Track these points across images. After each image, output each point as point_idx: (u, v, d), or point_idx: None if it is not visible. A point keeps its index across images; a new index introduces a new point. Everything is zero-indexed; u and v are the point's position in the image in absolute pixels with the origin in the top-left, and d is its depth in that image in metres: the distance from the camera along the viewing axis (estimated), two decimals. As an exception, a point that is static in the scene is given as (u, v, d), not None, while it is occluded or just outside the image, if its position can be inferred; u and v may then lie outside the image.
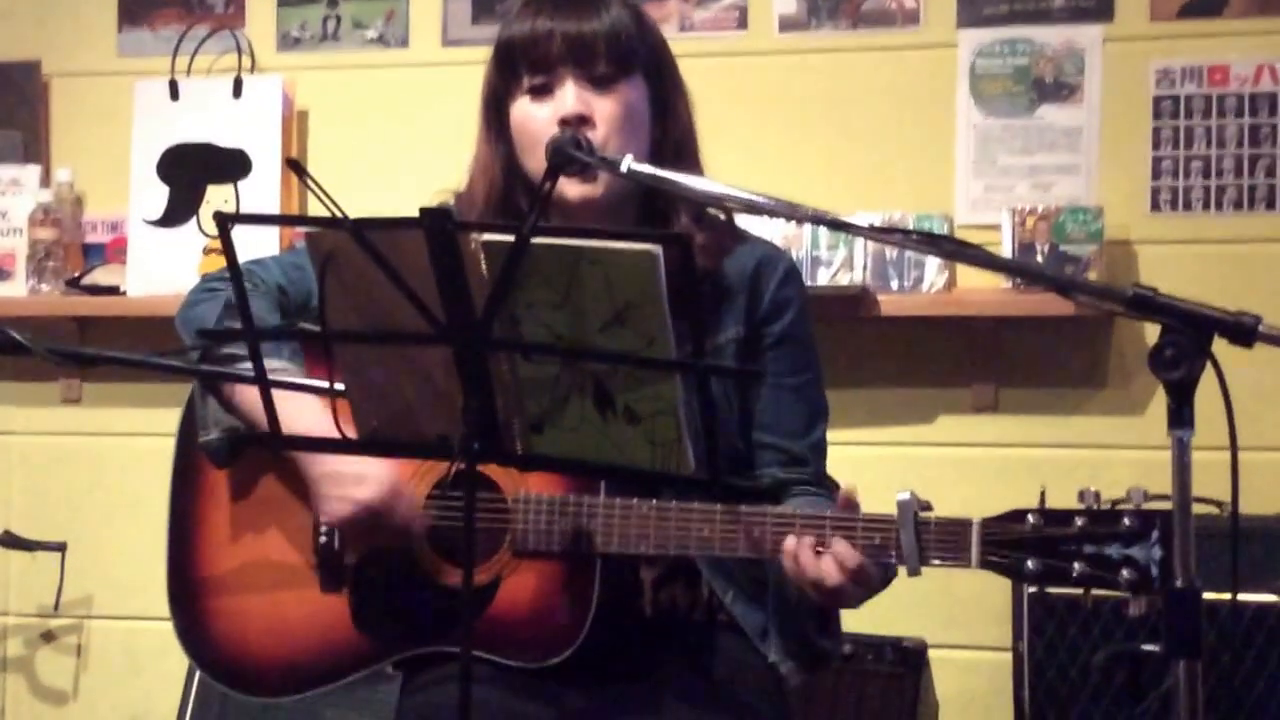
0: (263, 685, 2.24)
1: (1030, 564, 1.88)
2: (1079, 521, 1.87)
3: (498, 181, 2.22)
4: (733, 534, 2.01)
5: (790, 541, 1.97)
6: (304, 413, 2.04)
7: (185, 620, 2.25)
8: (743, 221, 2.33)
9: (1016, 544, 1.89)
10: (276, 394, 1.89)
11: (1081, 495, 1.90)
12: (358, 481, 2.08)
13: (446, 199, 2.29)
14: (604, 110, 2.13)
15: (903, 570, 1.95)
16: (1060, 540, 1.87)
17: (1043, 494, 1.92)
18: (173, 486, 2.27)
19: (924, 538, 1.93)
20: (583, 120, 2.12)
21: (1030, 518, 1.89)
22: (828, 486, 2.27)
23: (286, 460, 2.16)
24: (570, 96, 2.13)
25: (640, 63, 2.18)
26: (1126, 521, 1.84)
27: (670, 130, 2.22)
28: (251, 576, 2.22)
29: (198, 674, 3.39)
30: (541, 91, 2.16)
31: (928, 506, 1.94)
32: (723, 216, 2.27)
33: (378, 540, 2.13)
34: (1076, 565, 1.86)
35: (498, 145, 2.23)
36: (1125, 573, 1.83)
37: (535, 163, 2.16)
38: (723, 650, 2.20)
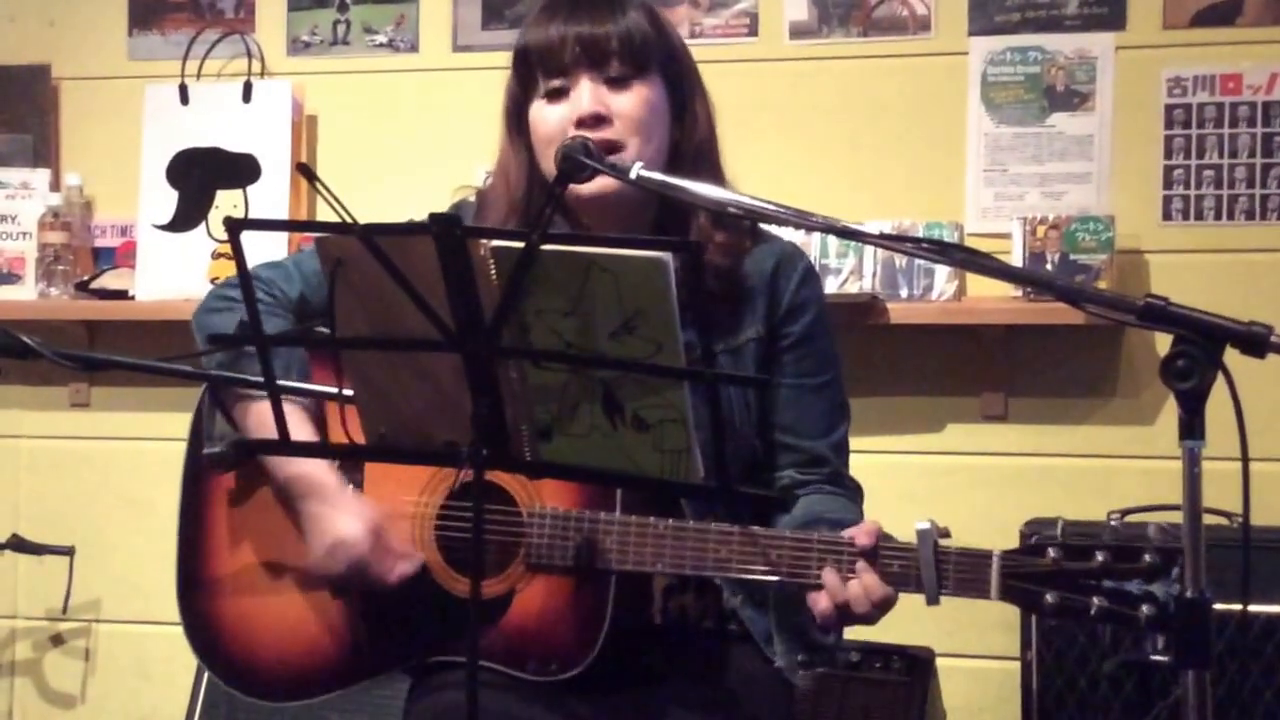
0: (272, 689, 2.24)
1: (1049, 598, 1.87)
2: (1100, 556, 1.85)
3: (519, 184, 2.23)
4: (750, 556, 2.01)
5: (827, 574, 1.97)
6: (301, 432, 2.05)
7: (195, 623, 2.25)
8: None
9: (1036, 577, 1.88)
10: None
11: (1109, 517, 1.89)
12: (339, 535, 2.09)
13: (468, 194, 2.31)
14: (621, 108, 2.14)
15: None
16: (1080, 575, 1.86)
17: (1062, 527, 1.91)
18: (183, 489, 2.27)
19: (943, 568, 1.92)
20: (599, 119, 2.12)
21: (1051, 551, 1.88)
22: (847, 486, 2.27)
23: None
24: (586, 96, 2.14)
25: (656, 64, 2.19)
26: (1147, 557, 1.83)
27: (690, 134, 2.23)
28: (262, 580, 2.22)
29: (205, 678, 3.39)
30: (558, 94, 2.17)
31: (946, 534, 1.94)
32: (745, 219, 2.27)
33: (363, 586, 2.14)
34: (1096, 600, 1.85)
35: (519, 150, 2.24)
36: (1145, 609, 1.83)
37: (551, 165, 2.16)
38: (732, 659, 2.20)
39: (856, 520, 2.08)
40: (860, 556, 1.96)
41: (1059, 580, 1.87)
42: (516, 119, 2.24)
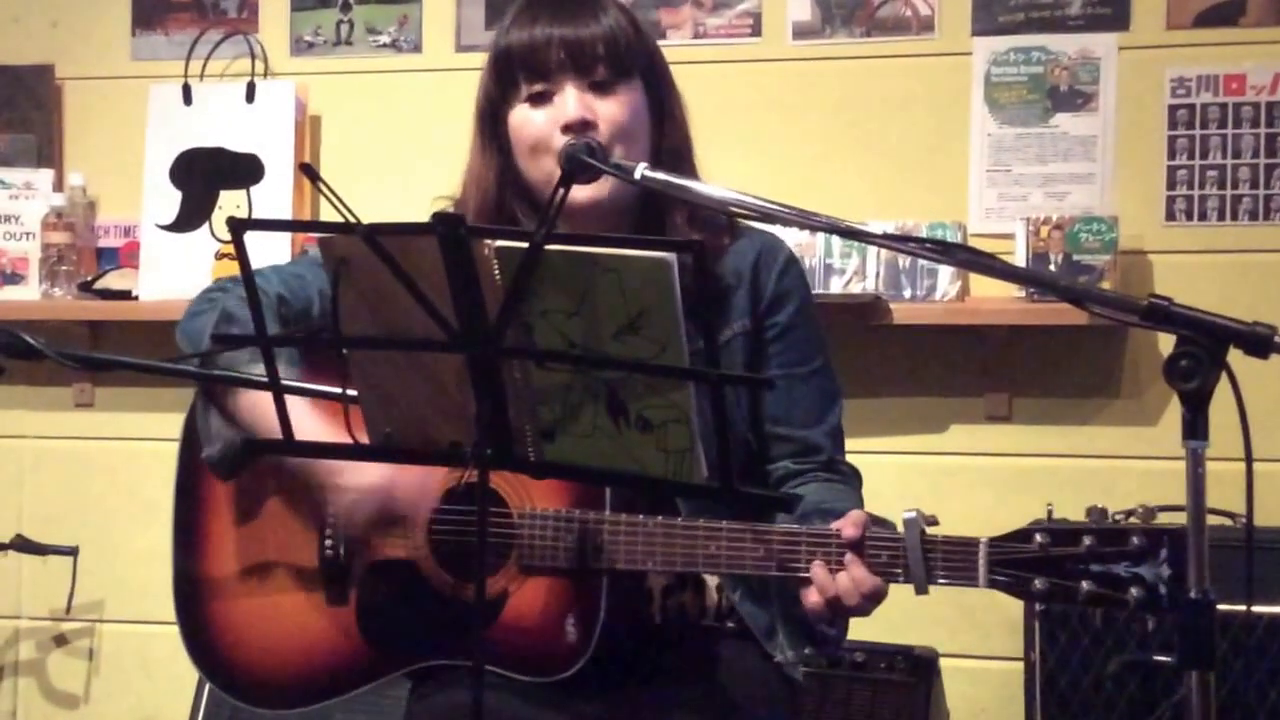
0: (271, 697, 2.24)
1: (1038, 583, 1.88)
2: (1087, 540, 1.86)
3: (492, 190, 2.22)
4: (739, 551, 2.01)
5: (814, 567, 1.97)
6: (303, 422, 2.04)
7: (193, 633, 2.25)
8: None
9: (1024, 563, 1.88)
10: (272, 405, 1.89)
11: (1089, 512, 1.89)
12: (360, 482, 2.08)
13: (445, 205, 2.28)
14: (606, 113, 2.14)
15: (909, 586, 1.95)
16: (1068, 559, 1.87)
17: (1050, 510, 1.92)
18: (176, 498, 2.27)
19: (931, 557, 1.92)
20: (586, 125, 2.12)
21: (1038, 536, 1.89)
22: (842, 472, 2.26)
23: (290, 472, 2.16)
24: (572, 102, 2.13)
25: (638, 67, 2.19)
26: (1135, 540, 1.84)
27: (668, 136, 2.23)
28: (257, 588, 2.21)
29: (208, 678, 3.40)
30: (541, 99, 2.16)
31: (934, 521, 1.94)
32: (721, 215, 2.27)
33: (388, 521, 2.13)
34: (1084, 584, 1.86)
35: (493, 154, 2.23)
36: (1134, 591, 1.83)
37: (537, 170, 2.16)
38: (732, 657, 2.20)
39: (855, 507, 2.08)
40: (847, 548, 1.95)
41: (1047, 566, 1.88)
42: (491, 122, 2.23)
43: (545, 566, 2.07)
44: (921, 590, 1.94)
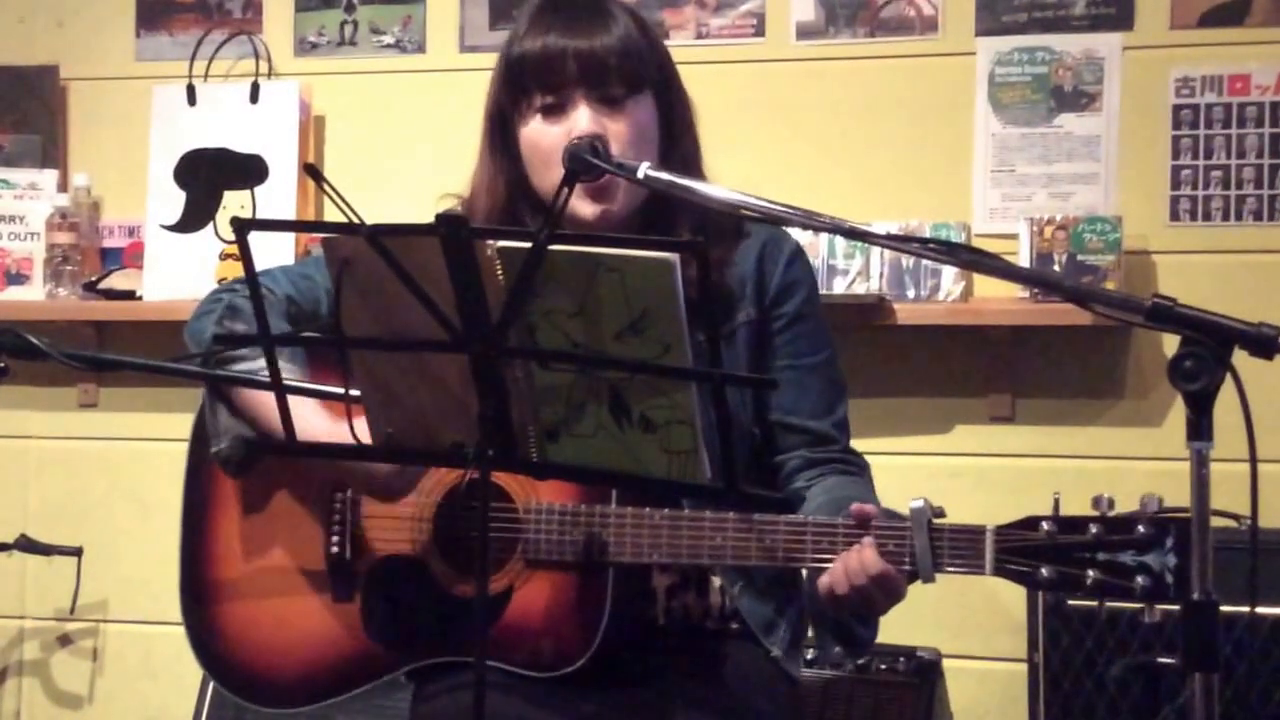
0: (276, 696, 2.24)
1: (1045, 571, 1.88)
2: (1093, 529, 1.87)
3: (501, 197, 2.22)
4: (745, 542, 2.01)
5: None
6: (311, 418, 2.05)
7: (198, 632, 2.25)
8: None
9: (1031, 551, 1.89)
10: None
11: (1095, 502, 1.89)
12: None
13: (453, 204, 2.29)
14: (617, 130, 2.14)
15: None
16: (1074, 548, 1.87)
17: (1056, 501, 1.92)
18: (185, 497, 2.27)
19: (937, 545, 1.93)
20: (597, 139, 2.12)
21: (1044, 525, 1.90)
22: (856, 463, 2.27)
23: (297, 470, 2.16)
24: (584, 117, 2.13)
25: (650, 78, 2.19)
26: (1141, 529, 1.84)
27: (677, 143, 2.23)
28: (263, 587, 2.22)
29: (212, 678, 3.40)
30: (553, 111, 2.16)
31: (941, 513, 1.94)
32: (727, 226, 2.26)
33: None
34: (1091, 573, 1.86)
35: (502, 161, 2.23)
36: (1140, 580, 1.83)
37: (547, 181, 2.16)
38: (736, 658, 2.20)
39: (875, 502, 2.08)
40: (858, 528, 1.95)
41: (1053, 554, 1.89)
42: (502, 129, 2.23)
43: (551, 561, 2.08)
44: (928, 579, 1.94)
